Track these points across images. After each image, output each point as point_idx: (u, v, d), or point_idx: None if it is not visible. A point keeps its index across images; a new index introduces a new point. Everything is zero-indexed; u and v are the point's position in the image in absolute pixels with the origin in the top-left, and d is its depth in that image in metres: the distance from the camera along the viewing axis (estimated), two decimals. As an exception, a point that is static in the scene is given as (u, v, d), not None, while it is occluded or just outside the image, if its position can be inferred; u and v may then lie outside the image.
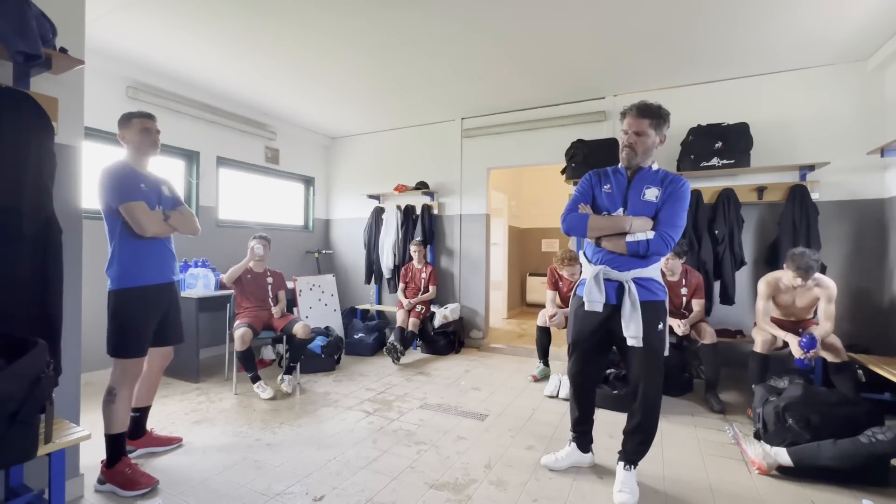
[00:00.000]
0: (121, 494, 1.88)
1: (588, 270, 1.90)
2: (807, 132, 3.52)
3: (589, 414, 2.13)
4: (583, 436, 2.15)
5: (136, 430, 2.24)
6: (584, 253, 1.99)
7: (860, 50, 3.21)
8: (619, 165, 1.94)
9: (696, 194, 3.68)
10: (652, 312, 1.81)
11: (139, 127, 2.04)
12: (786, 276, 2.76)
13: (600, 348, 2.00)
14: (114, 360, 1.97)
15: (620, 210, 1.85)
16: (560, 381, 3.22)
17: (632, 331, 1.77)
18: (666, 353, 1.86)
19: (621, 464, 1.94)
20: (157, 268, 2.06)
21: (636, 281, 1.81)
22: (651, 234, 1.76)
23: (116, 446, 1.94)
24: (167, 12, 2.82)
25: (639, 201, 1.83)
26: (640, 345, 1.77)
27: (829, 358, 2.69)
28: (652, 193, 1.81)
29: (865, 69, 3.34)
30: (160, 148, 2.13)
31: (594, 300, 1.83)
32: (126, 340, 1.96)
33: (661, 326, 1.82)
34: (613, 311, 1.84)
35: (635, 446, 1.92)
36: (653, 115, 1.80)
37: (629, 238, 1.78)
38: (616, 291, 1.83)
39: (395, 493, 1.91)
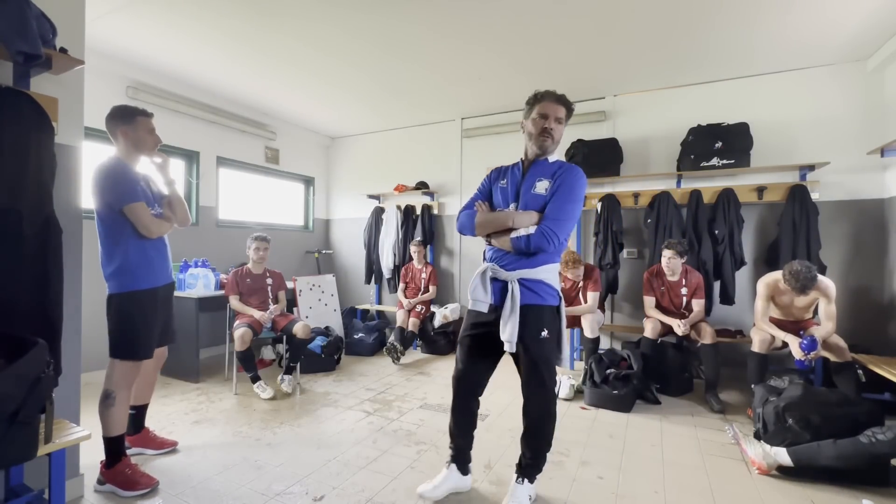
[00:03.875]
0: (121, 495, 1.87)
1: (478, 267, 1.81)
2: (807, 132, 3.52)
3: (469, 427, 1.91)
4: (460, 453, 1.92)
5: (132, 427, 2.24)
6: (483, 251, 1.89)
7: (860, 50, 3.21)
8: (521, 161, 1.85)
9: (697, 194, 3.69)
10: (535, 317, 1.67)
11: (146, 127, 2.02)
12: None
13: (483, 351, 1.81)
14: (113, 363, 1.92)
15: (512, 205, 1.77)
16: (560, 381, 3.22)
17: (507, 334, 1.64)
18: (558, 364, 1.75)
19: (515, 475, 1.85)
20: (163, 269, 2.07)
21: (522, 282, 1.68)
22: (532, 230, 1.66)
23: (115, 448, 1.93)
24: (167, 12, 2.82)
25: (529, 195, 1.73)
26: (513, 350, 1.66)
27: (832, 358, 2.69)
28: (542, 186, 1.72)
29: (865, 69, 3.34)
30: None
31: (478, 299, 1.73)
32: (137, 343, 1.94)
33: (544, 334, 1.68)
34: (499, 312, 1.70)
35: (527, 459, 1.82)
36: (568, 106, 1.75)
37: (513, 234, 1.68)
38: (501, 292, 1.71)
39: (395, 493, 1.92)
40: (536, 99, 1.75)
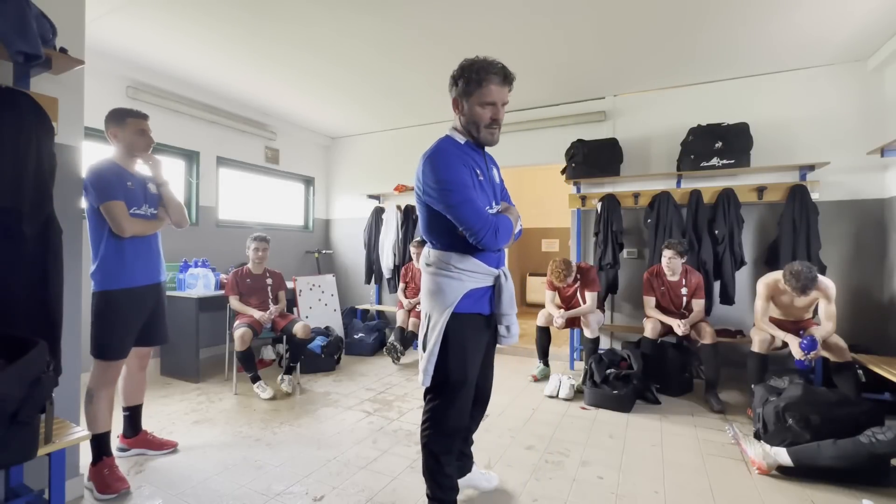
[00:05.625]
0: (95, 496, 1.87)
1: (478, 279, 1.53)
2: (807, 132, 3.51)
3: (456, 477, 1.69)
4: None
5: (129, 429, 2.24)
6: (453, 258, 1.51)
7: (860, 50, 3.20)
8: (467, 141, 1.55)
9: (696, 194, 3.69)
10: None
11: (135, 128, 2.03)
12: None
13: None
14: (94, 362, 1.96)
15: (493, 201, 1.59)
16: (560, 381, 3.22)
17: (516, 326, 1.62)
18: None
19: (476, 465, 1.90)
20: (142, 269, 2.04)
21: None
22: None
23: (96, 446, 1.95)
24: (167, 13, 2.82)
25: (499, 186, 1.65)
26: (516, 342, 1.64)
27: (832, 358, 2.69)
28: (497, 174, 1.68)
29: (865, 69, 3.34)
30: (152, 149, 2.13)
31: (513, 311, 1.60)
32: (109, 342, 1.95)
33: None
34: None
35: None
36: (512, 83, 1.48)
37: (516, 228, 1.58)
38: None
39: (395, 493, 1.91)
40: (478, 80, 1.43)
